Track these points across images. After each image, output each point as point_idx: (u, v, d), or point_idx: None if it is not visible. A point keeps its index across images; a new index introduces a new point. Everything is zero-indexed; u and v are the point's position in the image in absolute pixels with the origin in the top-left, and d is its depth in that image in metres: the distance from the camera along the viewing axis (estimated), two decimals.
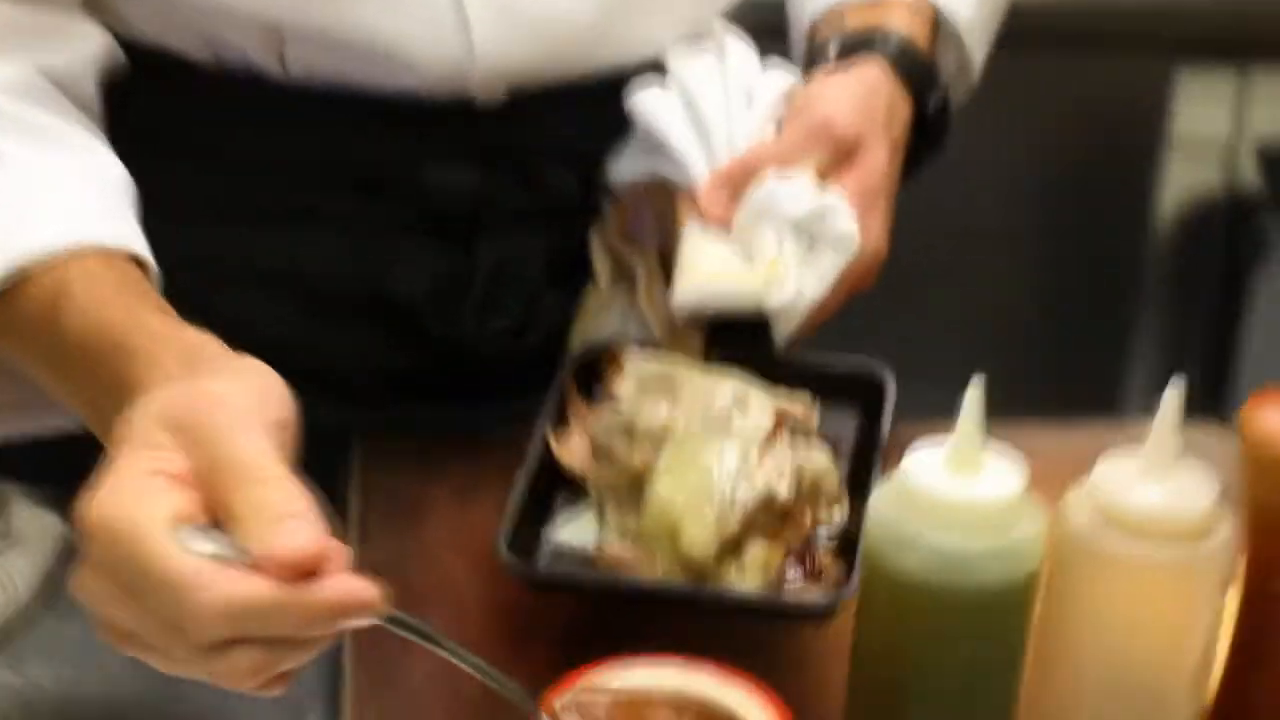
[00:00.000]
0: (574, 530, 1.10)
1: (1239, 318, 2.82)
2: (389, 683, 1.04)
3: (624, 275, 1.32)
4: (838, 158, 1.16)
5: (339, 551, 0.77)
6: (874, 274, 1.19)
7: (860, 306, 1.24)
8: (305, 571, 0.75)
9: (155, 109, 1.19)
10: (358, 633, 1.01)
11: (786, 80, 1.24)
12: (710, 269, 1.15)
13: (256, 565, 0.75)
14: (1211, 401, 2.88)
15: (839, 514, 1.09)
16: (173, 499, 0.77)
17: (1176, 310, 2.90)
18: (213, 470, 0.78)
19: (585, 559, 1.07)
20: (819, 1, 1.30)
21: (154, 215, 1.06)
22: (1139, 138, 2.72)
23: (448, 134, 1.20)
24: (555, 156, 1.24)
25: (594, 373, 1.17)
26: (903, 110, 1.21)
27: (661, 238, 1.33)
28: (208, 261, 1.19)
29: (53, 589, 1.12)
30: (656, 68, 1.25)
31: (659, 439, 1.07)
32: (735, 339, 1.16)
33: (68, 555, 1.13)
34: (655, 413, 1.08)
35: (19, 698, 1.05)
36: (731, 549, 1.03)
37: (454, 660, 0.86)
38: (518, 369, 1.26)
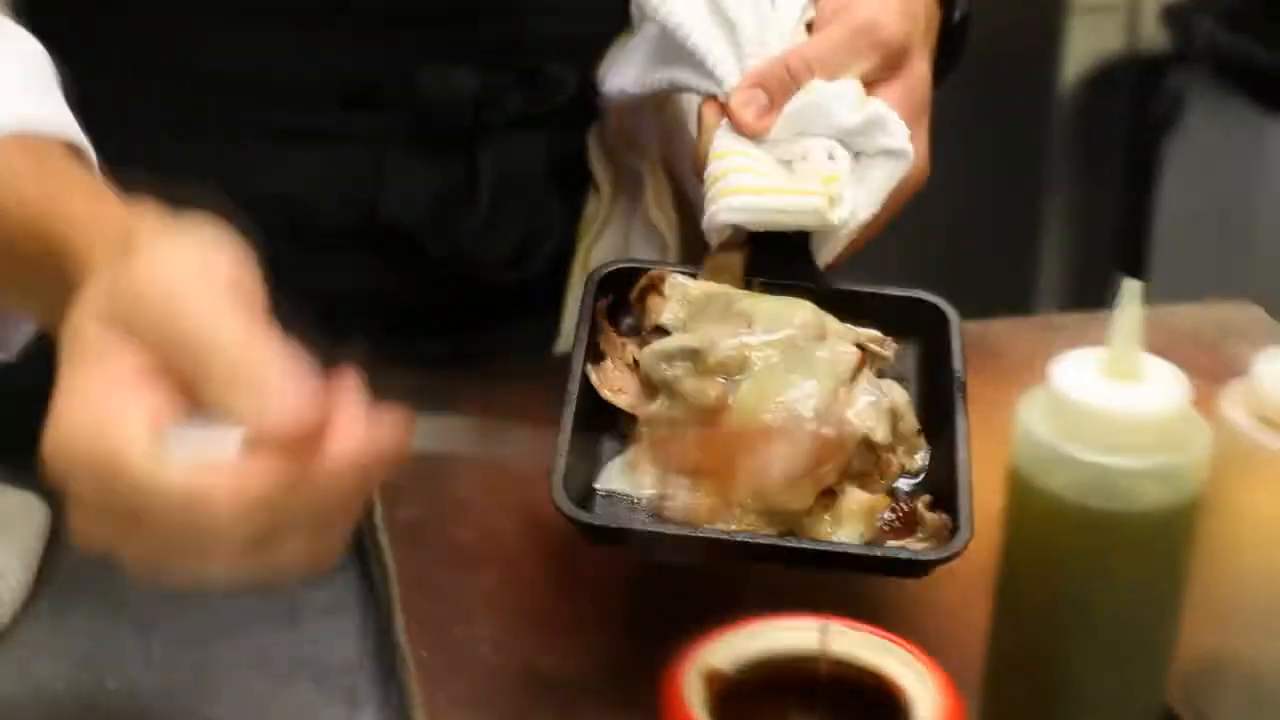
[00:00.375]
0: (627, 477, 0.96)
1: (1150, 181, 2.78)
2: (456, 664, 0.93)
3: (626, 183, 1.21)
4: (884, 66, 1.04)
5: (338, 392, 0.70)
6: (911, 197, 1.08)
7: None
8: (309, 435, 0.68)
9: (124, 24, 1.07)
10: (413, 611, 0.92)
11: None
12: (754, 183, 1.01)
13: (255, 447, 0.68)
14: (1123, 271, 2.84)
15: (920, 458, 0.98)
16: (142, 407, 0.69)
17: (1084, 175, 2.85)
18: (175, 354, 0.70)
19: (645, 508, 0.94)
20: None
21: (122, 134, 0.94)
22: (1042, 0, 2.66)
23: (447, 36, 1.10)
24: (555, 52, 1.14)
25: (618, 296, 1.03)
26: (934, 19, 1.10)
27: (664, 141, 1.21)
28: (181, 185, 1.05)
29: (45, 576, 1.00)
30: None
31: (733, 371, 0.95)
32: (773, 262, 1.02)
33: (55, 540, 1.00)
34: (728, 341, 0.96)
35: (33, 705, 0.93)
36: (823, 498, 0.92)
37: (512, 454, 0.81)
38: (520, 291, 1.14)
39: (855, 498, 0.93)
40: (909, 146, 1.02)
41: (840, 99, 1.01)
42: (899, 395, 0.97)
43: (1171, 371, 0.82)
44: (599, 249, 1.19)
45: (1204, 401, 0.82)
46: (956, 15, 1.12)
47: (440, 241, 1.14)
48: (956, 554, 0.89)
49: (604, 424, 0.98)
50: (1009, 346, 1.23)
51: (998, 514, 1.01)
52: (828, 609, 0.92)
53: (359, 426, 0.70)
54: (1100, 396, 0.80)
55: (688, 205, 1.22)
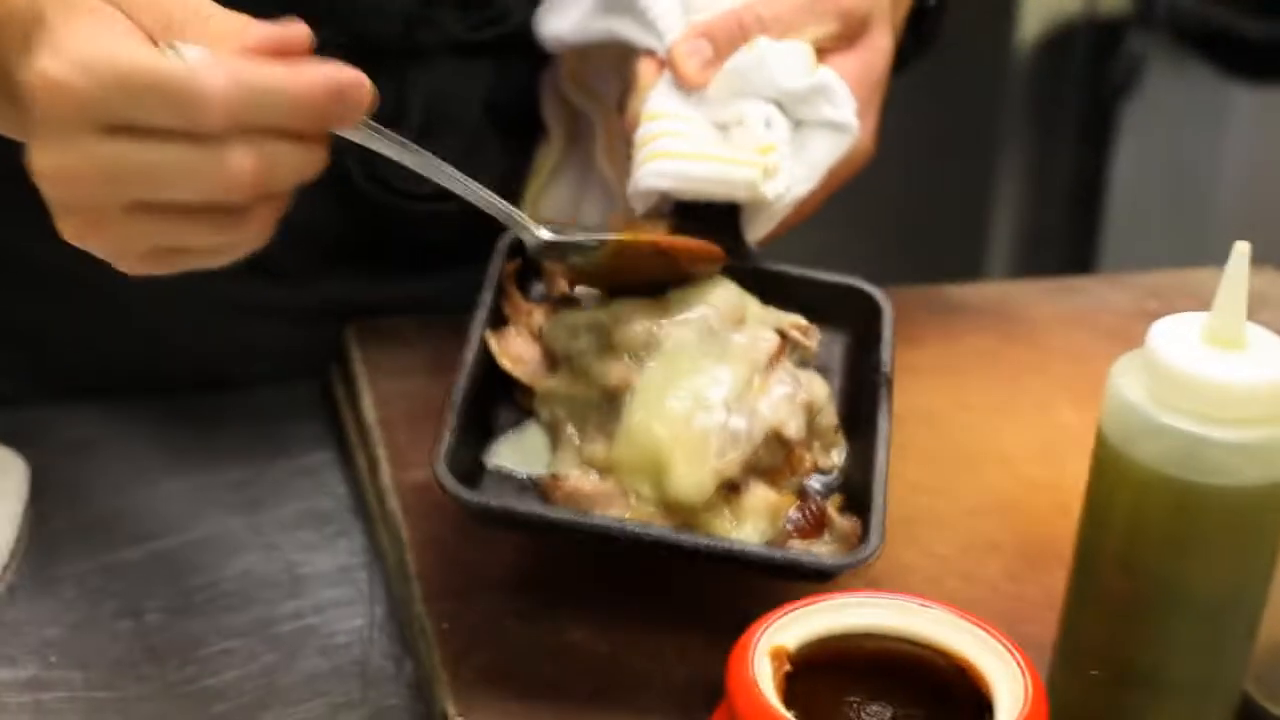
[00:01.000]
0: (519, 454, 0.90)
1: (1107, 146, 2.75)
2: (480, 637, 0.87)
3: (580, 132, 1.12)
4: (843, 34, 0.98)
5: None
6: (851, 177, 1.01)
7: None
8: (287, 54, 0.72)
9: None
10: (429, 580, 0.86)
11: None
12: (685, 148, 0.93)
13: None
14: (1081, 235, 2.81)
15: (837, 457, 0.92)
16: (137, 33, 0.72)
17: (1040, 139, 2.82)
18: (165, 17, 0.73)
19: (533, 489, 0.88)
20: None
21: None
22: None
23: None
24: None
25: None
26: None
27: (622, 91, 1.14)
28: None
29: (33, 543, 0.93)
30: None
31: (640, 350, 0.88)
32: (699, 235, 0.93)
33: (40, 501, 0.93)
34: (637, 320, 0.89)
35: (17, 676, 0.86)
36: (725, 492, 0.86)
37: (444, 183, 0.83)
38: (460, 239, 1.08)
39: (760, 495, 0.87)
40: (854, 121, 0.95)
41: (787, 59, 0.94)
42: (819, 389, 0.91)
43: (1275, 340, 0.76)
44: (548, 200, 1.12)
45: None
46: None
47: (363, 166, 1.07)
48: (861, 562, 0.83)
49: (500, 393, 0.91)
50: (1029, 310, 1.19)
51: (1038, 481, 0.98)
52: (865, 582, 0.88)
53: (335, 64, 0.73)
54: (1201, 363, 0.75)
55: None
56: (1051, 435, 1.04)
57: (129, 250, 0.75)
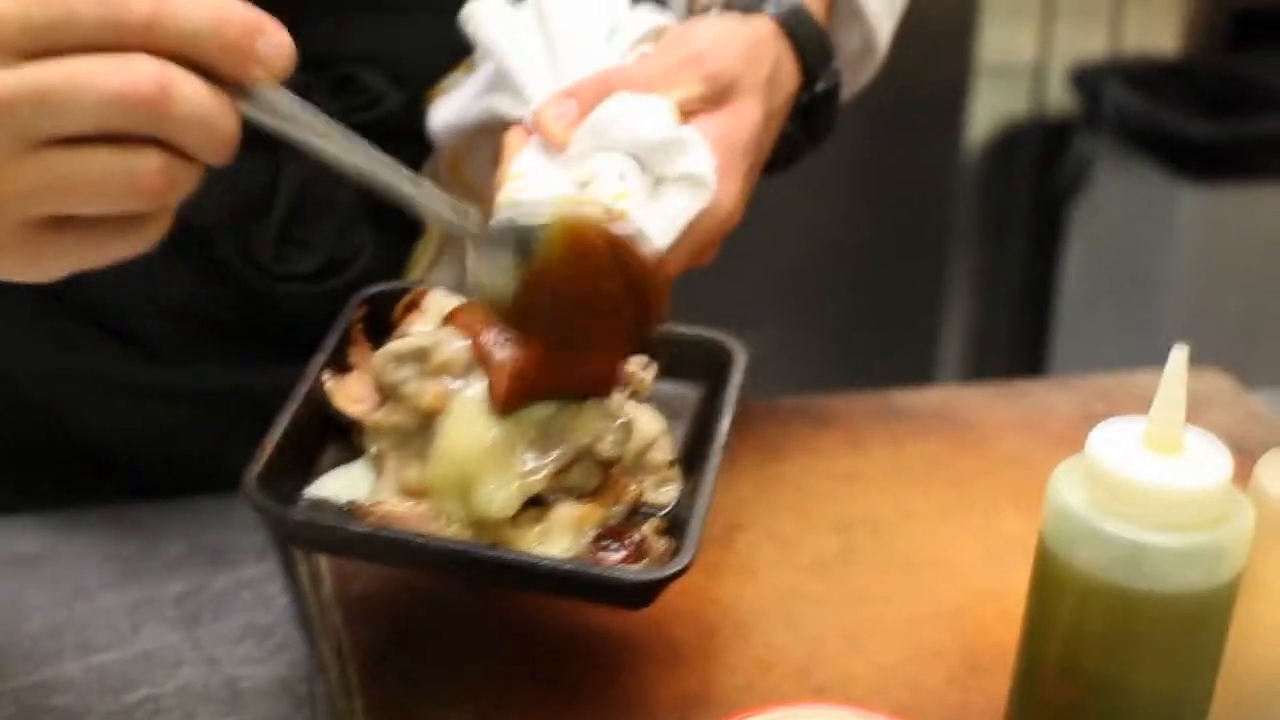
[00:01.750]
0: (342, 486, 0.89)
1: (1056, 246, 2.77)
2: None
3: (484, 140, 1.11)
4: (707, 97, 0.99)
5: None
6: (717, 244, 1.01)
7: None
8: None
9: None
10: (372, 693, 0.85)
11: (658, 19, 1.07)
12: (535, 196, 0.94)
13: None
14: (1030, 337, 2.82)
15: (670, 494, 0.91)
16: None
17: (989, 240, 2.84)
18: None
19: (349, 516, 0.87)
20: None
21: None
22: (946, 63, 2.63)
23: None
24: (375, 66, 1.09)
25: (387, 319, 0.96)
26: (788, 80, 1.04)
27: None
28: None
29: None
30: None
31: (459, 372, 0.88)
32: None
33: None
34: (455, 342, 0.88)
35: None
36: (535, 510, 0.86)
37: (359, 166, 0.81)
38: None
39: (566, 510, 0.86)
40: (711, 176, 0.95)
41: (646, 111, 0.95)
42: (651, 423, 0.91)
43: (1213, 443, 0.77)
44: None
45: None
46: (819, 85, 1.06)
47: (234, 246, 1.08)
48: (667, 579, 0.81)
49: (337, 435, 0.91)
50: (976, 414, 1.19)
51: (983, 589, 0.98)
52: (811, 691, 0.87)
53: None
54: (1140, 469, 0.75)
55: None
56: (996, 542, 1.04)
57: (10, 210, 0.71)
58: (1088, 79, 2.68)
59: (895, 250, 2.65)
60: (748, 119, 0.99)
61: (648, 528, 0.87)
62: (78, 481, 1.13)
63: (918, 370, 2.72)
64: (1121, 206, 2.68)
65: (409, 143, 1.08)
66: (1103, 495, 0.75)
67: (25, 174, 0.69)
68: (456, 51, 1.09)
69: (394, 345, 0.90)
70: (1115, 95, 2.63)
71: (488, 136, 1.06)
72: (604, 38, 1.02)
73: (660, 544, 0.86)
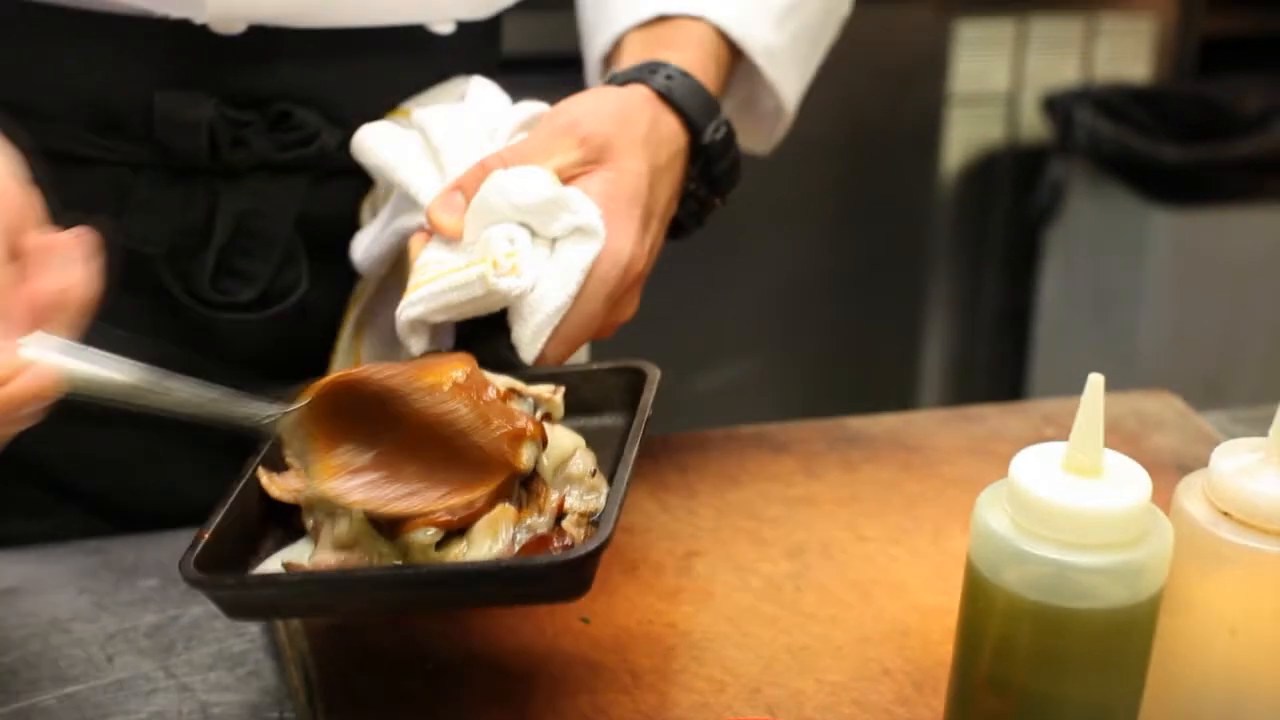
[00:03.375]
0: (282, 560, 0.92)
1: (1032, 271, 2.79)
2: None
3: (398, 262, 1.15)
4: (585, 160, 1.03)
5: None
6: (634, 294, 1.05)
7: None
8: None
9: None
10: None
11: (536, 108, 1.12)
12: (431, 276, 0.99)
13: None
14: (1010, 360, 2.85)
15: (597, 501, 0.93)
16: None
17: (965, 266, 2.86)
18: None
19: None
20: (606, 35, 1.18)
21: None
22: (921, 93, 2.67)
23: (183, 62, 1.09)
24: (309, 104, 1.13)
25: None
26: (672, 136, 1.08)
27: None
28: None
29: None
30: (420, 33, 1.14)
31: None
32: (479, 360, 0.96)
33: None
34: None
35: None
36: (458, 536, 0.88)
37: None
38: (285, 360, 1.11)
39: (482, 521, 0.88)
40: (598, 223, 1.00)
41: (522, 180, 1.00)
42: (566, 438, 0.94)
43: (1132, 466, 0.80)
44: (370, 329, 1.17)
45: None
46: (707, 137, 1.10)
47: (175, 276, 1.12)
48: (583, 558, 0.83)
49: (276, 525, 0.94)
50: (928, 440, 1.22)
51: (932, 608, 1.01)
52: (763, 709, 0.90)
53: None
54: (1060, 492, 0.78)
55: None
56: (944, 562, 1.07)
57: None
58: (1060, 106, 2.72)
59: (875, 277, 2.68)
60: (629, 172, 1.04)
61: (566, 522, 0.90)
62: (39, 506, 1.16)
63: (899, 396, 2.75)
64: (1095, 230, 2.71)
65: (345, 178, 1.13)
66: (1025, 518, 0.79)
67: None
68: (387, 93, 1.14)
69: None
70: (1087, 121, 2.66)
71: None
72: (486, 137, 1.07)
73: (581, 534, 0.89)
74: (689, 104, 1.09)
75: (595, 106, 1.06)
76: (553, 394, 0.97)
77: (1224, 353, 2.60)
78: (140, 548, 1.09)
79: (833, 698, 0.96)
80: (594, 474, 0.94)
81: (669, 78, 1.09)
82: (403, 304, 0.99)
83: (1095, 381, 0.78)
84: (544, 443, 0.92)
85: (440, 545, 0.87)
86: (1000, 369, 2.87)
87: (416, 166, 1.06)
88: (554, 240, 1.01)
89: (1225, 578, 0.82)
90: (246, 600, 0.88)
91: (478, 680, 0.95)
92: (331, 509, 0.90)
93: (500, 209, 1.00)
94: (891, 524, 1.11)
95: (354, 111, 1.12)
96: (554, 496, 0.91)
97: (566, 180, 1.02)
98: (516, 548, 0.88)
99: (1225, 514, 0.81)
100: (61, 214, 0.87)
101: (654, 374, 0.99)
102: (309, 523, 0.92)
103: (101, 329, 0.81)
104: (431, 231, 1.02)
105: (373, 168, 1.08)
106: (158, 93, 1.09)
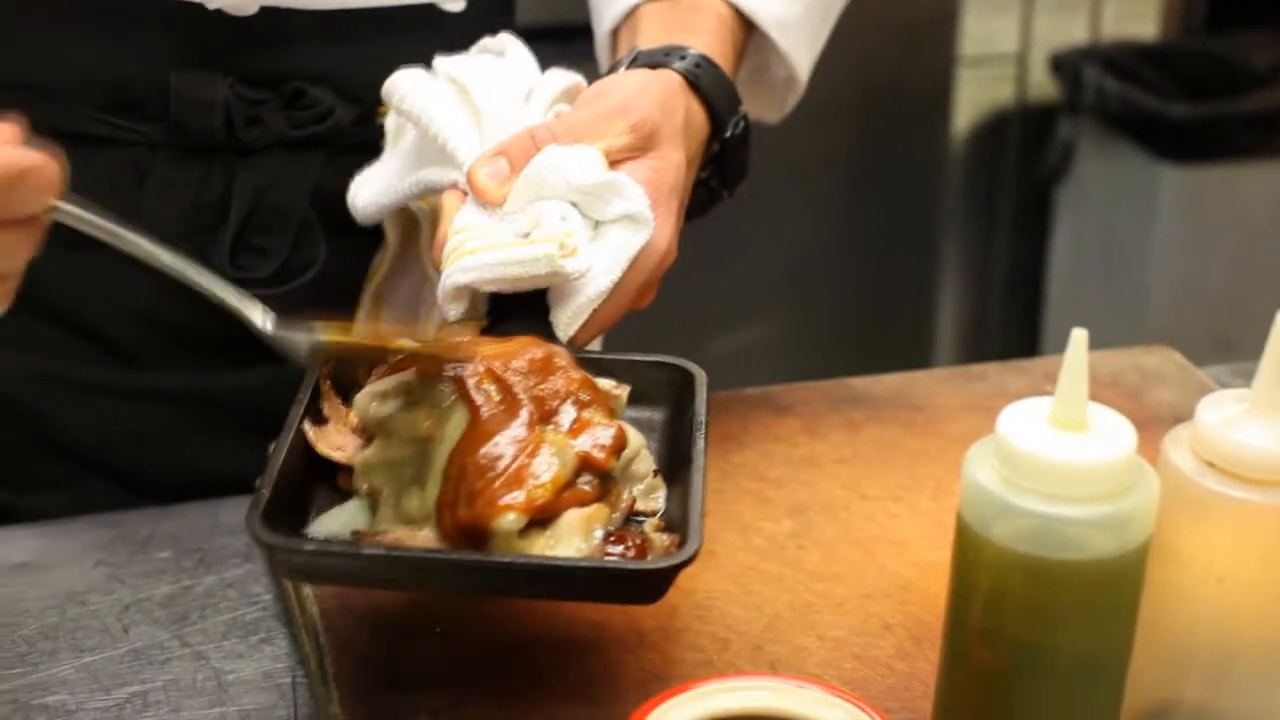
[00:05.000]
0: (338, 524, 0.92)
1: (1044, 230, 2.80)
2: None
3: (415, 234, 1.18)
4: (634, 145, 1.04)
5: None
6: (656, 284, 1.05)
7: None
8: None
9: None
10: (347, 682, 0.90)
11: (570, 78, 1.12)
12: (486, 244, 0.99)
13: None
14: (1023, 319, 2.86)
15: (658, 501, 0.95)
16: None
17: (978, 226, 2.87)
18: None
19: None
20: (617, 7, 1.18)
21: None
22: (930, 55, 2.67)
23: (198, 43, 1.11)
24: (322, 82, 1.15)
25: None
26: (699, 128, 1.09)
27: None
28: None
29: None
30: (431, 11, 1.16)
31: (444, 401, 0.91)
32: (513, 335, 0.97)
33: None
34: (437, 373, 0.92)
35: None
36: (538, 525, 0.88)
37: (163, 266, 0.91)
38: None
39: (573, 515, 0.89)
40: (649, 213, 1.00)
41: (578, 158, 1.00)
42: (634, 437, 0.95)
43: (1117, 420, 0.81)
44: (389, 300, 1.18)
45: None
46: (728, 132, 1.11)
47: (192, 252, 1.12)
48: (680, 565, 0.85)
49: (321, 481, 0.95)
50: (931, 399, 1.23)
51: (932, 563, 1.03)
52: (766, 665, 0.92)
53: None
54: (1046, 446, 0.79)
55: None
56: (944, 518, 1.07)
57: None
58: (1069, 65, 2.72)
59: (887, 240, 2.69)
60: (672, 163, 1.04)
61: (648, 527, 0.92)
62: (63, 479, 1.19)
63: (913, 357, 2.76)
64: (1105, 188, 2.72)
65: (359, 153, 1.14)
66: (1012, 473, 0.80)
67: None
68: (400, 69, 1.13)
69: (376, 385, 0.94)
70: (1096, 80, 2.66)
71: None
72: (522, 100, 1.08)
73: (662, 540, 0.90)
74: (715, 96, 1.09)
75: (641, 89, 1.06)
76: (618, 390, 0.97)
77: (1234, 307, 2.61)
78: (155, 520, 1.11)
79: (834, 653, 0.97)
80: (655, 473, 0.95)
81: (697, 65, 1.09)
82: (451, 268, 0.98)
83: (1078, 337, 0.79)
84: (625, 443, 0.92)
85: (521, 534, 0.87)
86: (1013, 328, 2.88)
87: (455, 122, 1.04)
88: (597, 223, 1.01)
89: (1212, 527, 0.83)
90: (313, 567, 0.87)
91: (485, 642, 0.97)
92: (395, 476, 0.91)
93: (555, 185, 0.99)
94: (893, 482, 1.13)
95: (367, 88, 1.13)
96: (626, 495, 0.92)
97: (613, 164, 1.02)
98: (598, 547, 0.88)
99: (1210, 464, 0.83)
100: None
101: (701, 376, 0.99)
102: (361, 486, 0.93)
103: None
104: (466, 192, 1.02)
105: (405, 114, 1.07)
106: (174, 73, 1.11)
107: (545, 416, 0.91)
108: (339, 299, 1.17)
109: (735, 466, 1.14)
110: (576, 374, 0.93)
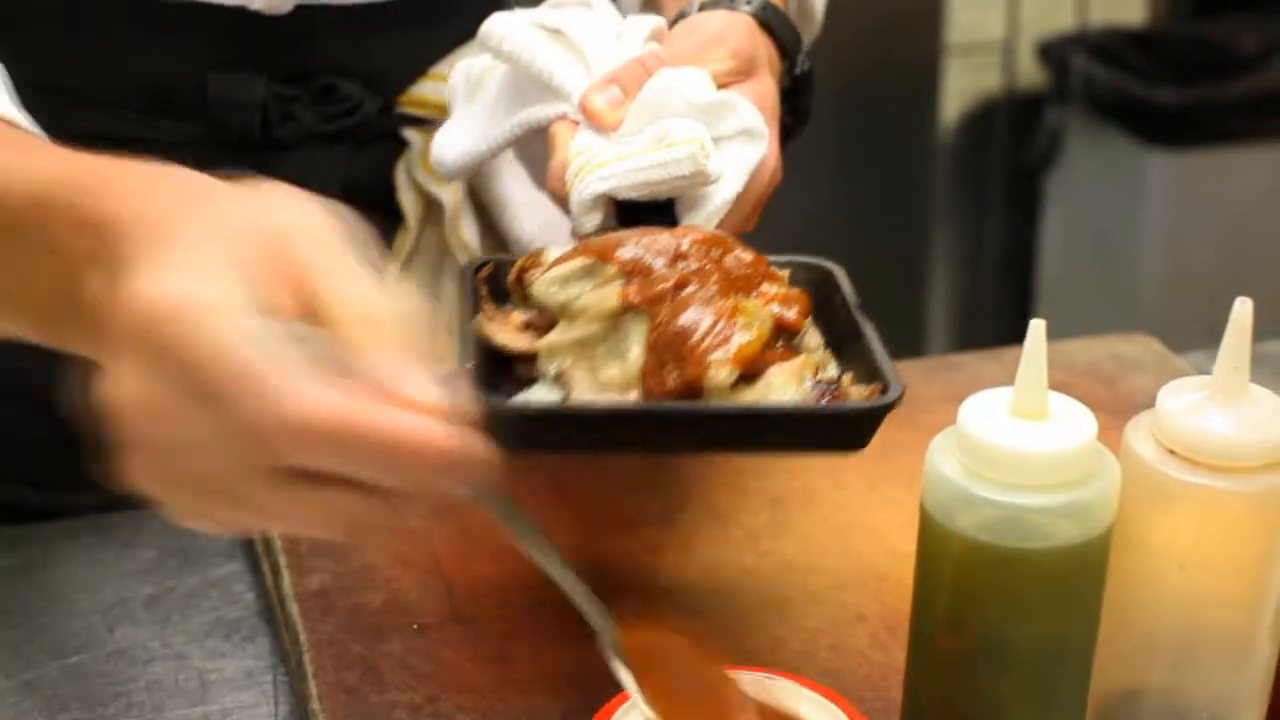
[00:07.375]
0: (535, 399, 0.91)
1: (1033, 217, 2.81)
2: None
3: (434, 216, 1.20)
4: (738, 70, 1.06)
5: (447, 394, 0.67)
6: (763, 205, 1.06)
7: None
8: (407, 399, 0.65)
9: None
10: (326, 679, 0.91)
11: (654, 20, 1.13)
12: (620, 154, 0.98)
13: (351, 374, 0.64)
14: (1014, 305, 2.87)
15: (832, 372, 0.95)
16: (252, 288, 0.66)
17: (967, 214, 2.88)
18: (301, 273, 0.68)
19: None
20: None
21: None
22: (917, 43, 2.68)
23: (233, 43, 1.12)
24: (351, 75, 1.17)
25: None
26: (774, 63, 1.12)
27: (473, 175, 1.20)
28: None
29: None
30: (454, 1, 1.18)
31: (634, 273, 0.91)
32: None
33: None
34: (627, 247, 0.92)
35: None
36: (744, 382, 0.89)
37: (548, 570, 0.81)
38: None
39: (781, 367, 0.90)
40: (764, 128, 1.02)
41: (690, 80, 1.01)
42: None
43: (1078, 408, 0.82)
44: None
45: (1108, 436, 0.83)
46: (798, 69, 1.13)
47: None
48: (892, 404, 0.89)
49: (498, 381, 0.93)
50: (909, 389, 1.24)
51: (907, 553, 1.03)
52: (742, 657, 0.93)
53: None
54: (1008, 436, 0.80)
55: (495, 235, 1.24)
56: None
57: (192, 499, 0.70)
58: (1056, 52, 2.73)
59: (878, 228, 2.70)
60: (770, 87, 1.07)
61: (845, 379, 0.93)
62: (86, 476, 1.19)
63: (907, 345, 2.77)
64: (1094, 175, 2.73)
65: (382, 142, 1.18)
66: (974, 463, 0.81)
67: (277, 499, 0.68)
68: (420, 63, 1.19)
69: (556, 271, 0.93)
70: (1083, 67, 2.67)
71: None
72: (612, 38, 1.08)
73: (860, 390, 0.92)
74: (784, 35, 1.12)
75: (730, 23, 1.08)
76: (780, 273, 0.98)
77: (1224, 293, 2.60)
78: (138, 522, 1.12)
79: (810, 644, 0.98)
80: (824, 346, 0.96)
81: (763, 7, 1.11)
82: (587, 180, 0.98)
83: (1036, 326, 0.80)
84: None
85: (732, 389, 0.88)
86: (1004, 316, 2.88)
87: (559, 58, 1.04)
88: (716, 139, 1.01)
89: (1174, 514, 0.84)
90: (534, 433, 0.87)
91: (464, 637, 0.98)
92: (585, 354, 0.91)
93: (673, 105, 1.00)
94: (869, 472, 1.14)
95: (389, 81, 1.17)
96: (810, 357, 0.93)
97: (720, 87, 1.04)
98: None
99: (1171, 452, 0.83)
100: None
101: (840, 270, 1.01)
102: (548, 369, 0.92)
103: None
104: (578, 122, 1.02)
105: (505, 54, 1.05)
106: (210, 74, 1.13)
107: (734, 285, 0.92)
108: None
109: (714, 459, 1.15)
110: (747, 251, 0.94)
